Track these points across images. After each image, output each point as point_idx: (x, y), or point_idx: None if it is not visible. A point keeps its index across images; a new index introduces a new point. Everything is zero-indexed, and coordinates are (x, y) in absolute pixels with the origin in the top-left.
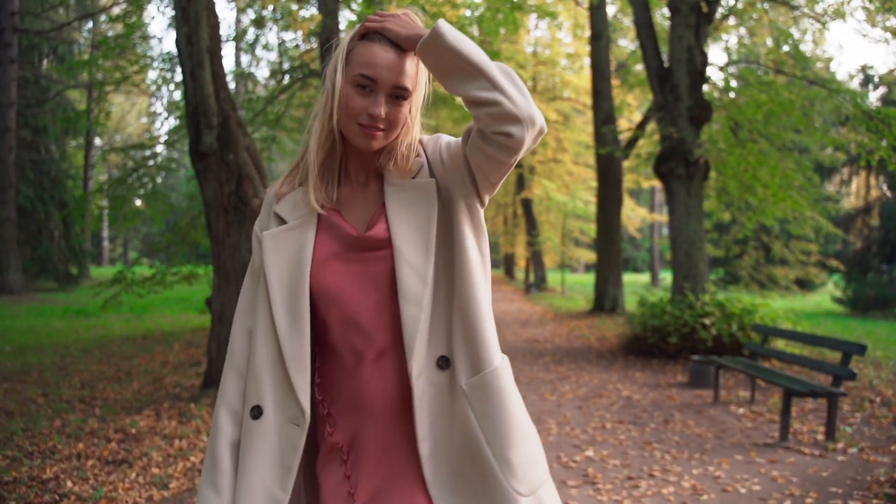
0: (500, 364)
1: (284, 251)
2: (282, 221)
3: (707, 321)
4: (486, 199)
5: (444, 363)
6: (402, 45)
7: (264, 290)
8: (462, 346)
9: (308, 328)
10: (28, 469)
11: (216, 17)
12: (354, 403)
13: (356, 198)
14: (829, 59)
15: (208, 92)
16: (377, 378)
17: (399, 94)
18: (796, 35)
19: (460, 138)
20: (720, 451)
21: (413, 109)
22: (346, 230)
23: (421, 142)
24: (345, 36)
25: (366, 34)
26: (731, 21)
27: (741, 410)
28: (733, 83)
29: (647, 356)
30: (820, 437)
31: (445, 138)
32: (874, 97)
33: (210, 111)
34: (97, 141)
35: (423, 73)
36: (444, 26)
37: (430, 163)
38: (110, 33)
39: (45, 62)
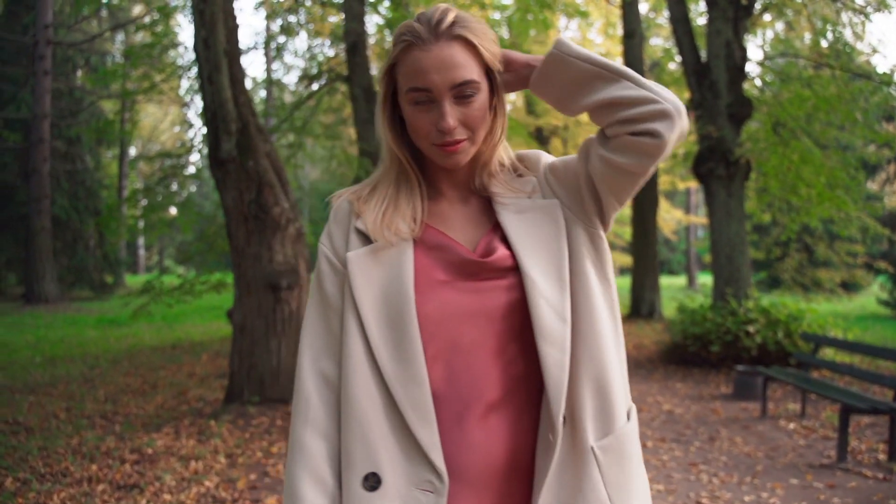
0: (632, 419)
1: (379, 276)
2: (367, 240)
3: (751, 329)
4: (611, 223)
5: (568, 418)
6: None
7: (355, 326)
8: (591, 399)
9: (425, 370)
10: (36, 495)
11: (234, 20)
12: (449, 468)
13: (454, 216)
14: (874, 51)
15: (226, 97)
16: (483, 437)
17: (465, 92)
18: (838, 29)
19: (573, 156)
20: (773, 474)
21: (496, 100)
22: (459, 252)
23: (520, 158)
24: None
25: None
26: (767, 17)
27: (792, 426)
28: (773, 78)
29: (688, 365)
30: (882, 456)
31: (548, 157)
32: None
33: (229, 117)
34: (132, 151)
35: (488, 49)
36: (565, 39)
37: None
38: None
39: (79, 73)
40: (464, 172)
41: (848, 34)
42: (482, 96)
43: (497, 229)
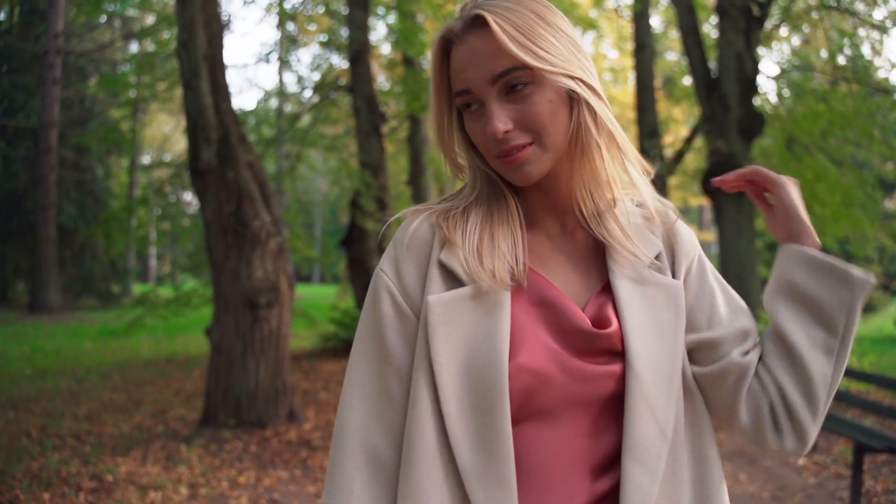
0: None
1: (466, 334)
2: (452, 280)
3: None
4: None
5: None
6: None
7: (428, 398)
8: None
9: (513, 468)
10: None
11: (219, 23)
12: None
13: (556, 256)
14: (893, 66)
15: (206, 104)
16: None
17: (513, 81)
18: (854, 43)
19: (714, 289)
20: None
21: (576, 101)
22: (571, 315)
23: (642, 207)
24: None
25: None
26: (783, 32)
27: (801, 461)
28: (787, 93)
29: None
30: None
31: (692, 242)
32: None
33: (209, 125)
34: (146, 160)
35: (514, 32)
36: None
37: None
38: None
39: (91, 82)
40: (563, 194)
41: (866, 49)
42: (541, 88)
43: (609, 291)
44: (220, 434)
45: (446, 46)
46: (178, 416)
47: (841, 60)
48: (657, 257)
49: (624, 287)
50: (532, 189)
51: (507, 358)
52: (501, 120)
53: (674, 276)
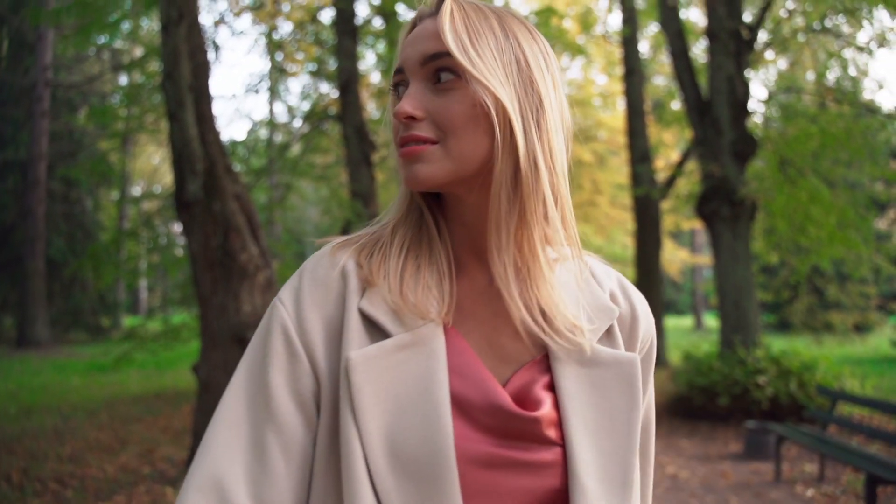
0: None
1: (399, 391)
2: (375, 330)
3: (761, 380)
4: None
5: None
6: None
7: (360, 471)
8: None
9: None
10: None
11: (204, 54)
12: None
13: (480, 309)
14: (880, 87)
15: (192, 135)
16: None
17: (440, 67)
18: (841, 66)
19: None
20: None
21: (506, 117)
22: (488, 388)
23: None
24: None
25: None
26: (769, 55)
27: (810, 492)
28: (776, 115)
29: (695, 419)
30: None
31: (649, 321)
32: None
33: (194, 156)
34: (137, 191)
35: (511, 34)
36: None
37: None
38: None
39: (80, 114)
40: (485, 228)
41: (852, 71)
42: (469, 89)
43: (545, 366)
44: None
45: (413, 27)
46: (165, 456)
47: (828, 82)
48: (609, 329)
49: (564, 369)
50: (456, 223)
51: (450, 417)
52: (412, 103)
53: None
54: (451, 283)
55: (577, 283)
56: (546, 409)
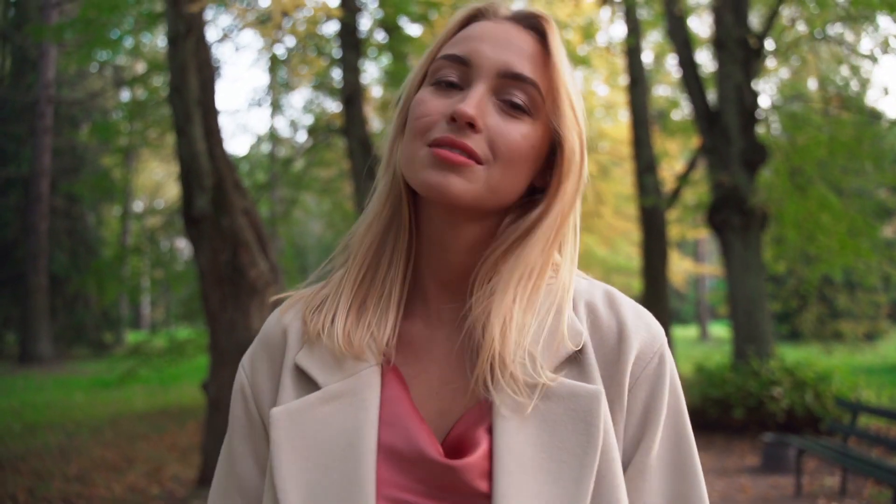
0: None
1: (322, 448)
2: (310, 383)
3: (776, 392)
4: None
5: None
6: None
7: None
8: None
9: None
10: None
11: (211, 68)
12: None
13: (433, 346)
14: (886, 93)
15: (199, 149)
16: None
17: (520, 95)
18: (846, 73)
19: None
20: None
21: (564, 146)
22: (416, 441)
23: (611, 298)
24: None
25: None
26: (771, 63)
27: None
28: (778, 125)
29: (709, 431)
30: None
31: (641, 329)
32: None
33: (202, 171)
34: (139, 207)
35: (566, 71)
36: None
37: (590, 342)
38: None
39: (83, 130)
40: (464, 263)
41: (855, 79)
42: (535, 127)
43: (486, 412)
44: None
45: (472, 19)
46: (173, 475)
47: (832, 89)
48: (574, 358)
49: (507, 401)
50: (433, 245)
51: (373, 477)
52: (478, 110)
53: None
54: (396, 321)
55: (549, 308)
56: (475, 457)
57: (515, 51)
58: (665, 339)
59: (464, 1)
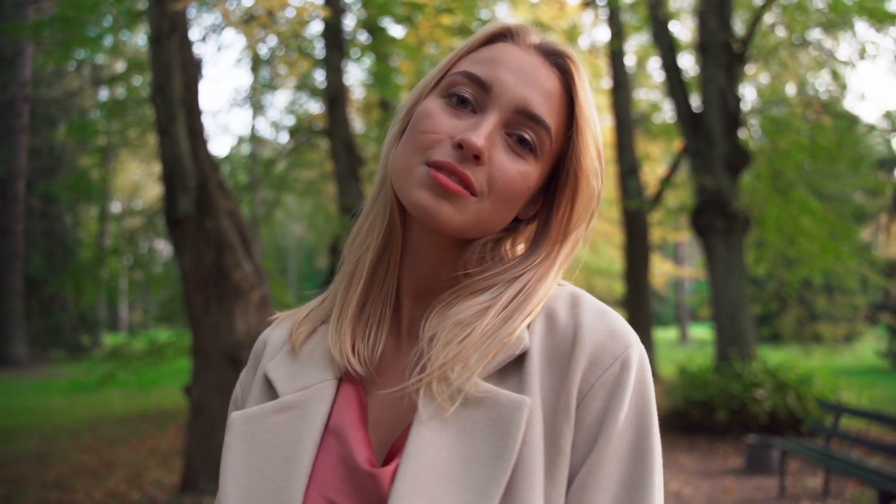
0: None
1: (264, 456)
2: (273, 392)
3: (758, 394)
4: None
5: None
6: None
7: None
8: None
9: None
10: None
11: (194, 67)
12: None
13: (401, 362)
14: (862, 98)
15: (183, 150)
16: None
17: (524, 133)
18: (825, 78)
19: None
20: None
21: (562, 192)
22: (352, 450)
23: (576, 300)
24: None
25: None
26: (750, 69)
27: None
28: (757, 129)
29: (693, 433)
30: None
31: (597, 332)
32: None
33: (185, 172)
34: (117, 207)
35: (589, 119)
36: None
37: (540, 349)
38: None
39: (60, 129)
40: (440, 275)
41: (834, 83)
42: (536, 166)
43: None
44: (202, 501)
45: (498, 37)
46: (154, 480)
47: (810, 94)
48: (511, 366)
49: (429, 408)
50: (407, 252)
51: (302, 486)
52: (487, 136)
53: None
54: (380, 340)
55: (498, 315)
56: (394, 465)
57: (537, 89)
58: (633, 344)
59: (447, 3)
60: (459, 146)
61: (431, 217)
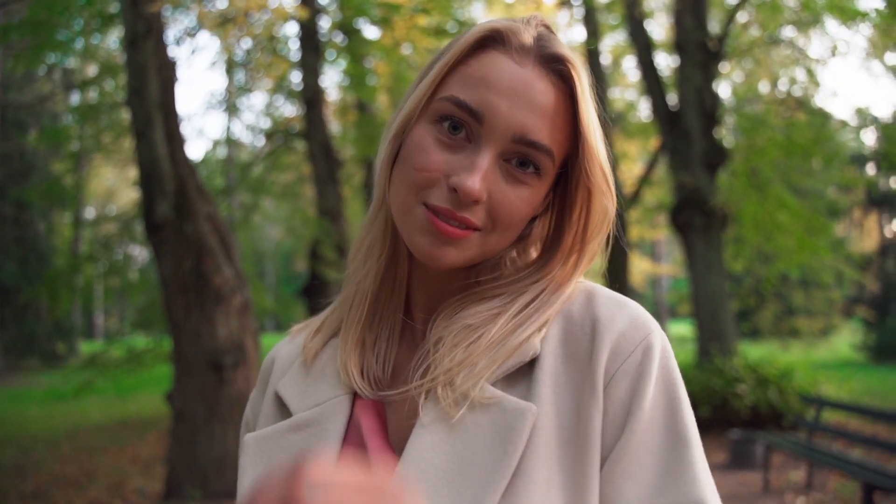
0: None
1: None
2: (285, 411)
3: (740, 389)
4: None
5: None
6: None
7: None
8: None
9: None
10: None
11: (171, 69)
12: None
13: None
14: (834, 95)
15: (160, 154)
16: None
17: (525, 162)
18: (799, 76)
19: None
20: None
21: (592, 215)
22: (374, 460)
23: (590, 296)
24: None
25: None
26: (724, 67)
27: (799, 501)
28: (740, 124)
29: None
30: None
31: (616, 323)
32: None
33: (164, 176)
34: (91, 213)
35: (591, 127)
36: None
37: (557, 352)
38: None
39: (32, 134)
40: (450, 287)
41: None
42: (539, 187)
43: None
44: None
45: (488, 41)
46: (136, 489)
47: (783, 91)
48: (530, 367)
49: (431, 412)
50: (421, 270)
51: None
52: (483, 177)
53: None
54: (391, 353)
55: (511, 321)
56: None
57: (535, 110)
58: (654, 331)
59: (423, 4)
60: (454, 190)
61: (435, 261)
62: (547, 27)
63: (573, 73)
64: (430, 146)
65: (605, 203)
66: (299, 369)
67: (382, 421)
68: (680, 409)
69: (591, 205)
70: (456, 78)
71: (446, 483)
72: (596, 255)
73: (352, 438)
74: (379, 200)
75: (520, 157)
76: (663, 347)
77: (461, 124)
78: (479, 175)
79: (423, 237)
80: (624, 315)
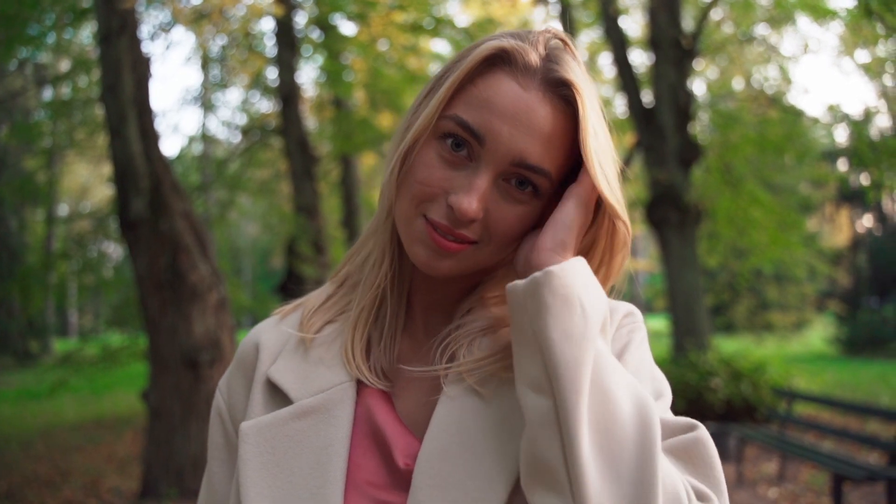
0: None
1: (290, 465)
2: (282, 397)
3: (714, 383)
4: None
5: None
6: None
7: None
8: None
9: None
10: None
11: (146, 65)
12: None
13: (420, 363)
14: (806, 92)
15: (135, 151)
16: None
17: (522, 182)
18: (772, 73)
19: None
20: None
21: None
22: (392, 448)
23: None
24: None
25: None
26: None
27: (772, 492)
28: (714, 120)
29: None
30: None
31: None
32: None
33: (138, 173)
34: (65, 210)
35: (593, 153)
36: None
37: None
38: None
39: (3, 130)
40: (454, 285)
41: (779, 76)
42: (536, 203)
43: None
44: None
45: (496, 59)
46: (112, 488)
47: (755, 88)
48: None
49: (453, 392)
50: (424, 276)
51: (340, 494)
52: (480, 198)
53: None
54: (395, 343)
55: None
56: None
57: (535, 135)
58: (641, 318)
59: (399, 0)
60: (452, 208)
61: (432, 271)
62: (561, 39)
63: (577, 99)
64: (432, 162)
65: (620, 225)
66: (294, 354)
67: (390, 403)
68: (655, 368)
69: (615, 234)
70: (462, 96)
71: (489, 437)
72: (620, 271)
73: (360, 425)
74: (383, 212)
75: (518, 178)
76: (645, 332)
77: (463, 143)
78: (476, 196)
79: (422, 248)
80: (620, 304)
